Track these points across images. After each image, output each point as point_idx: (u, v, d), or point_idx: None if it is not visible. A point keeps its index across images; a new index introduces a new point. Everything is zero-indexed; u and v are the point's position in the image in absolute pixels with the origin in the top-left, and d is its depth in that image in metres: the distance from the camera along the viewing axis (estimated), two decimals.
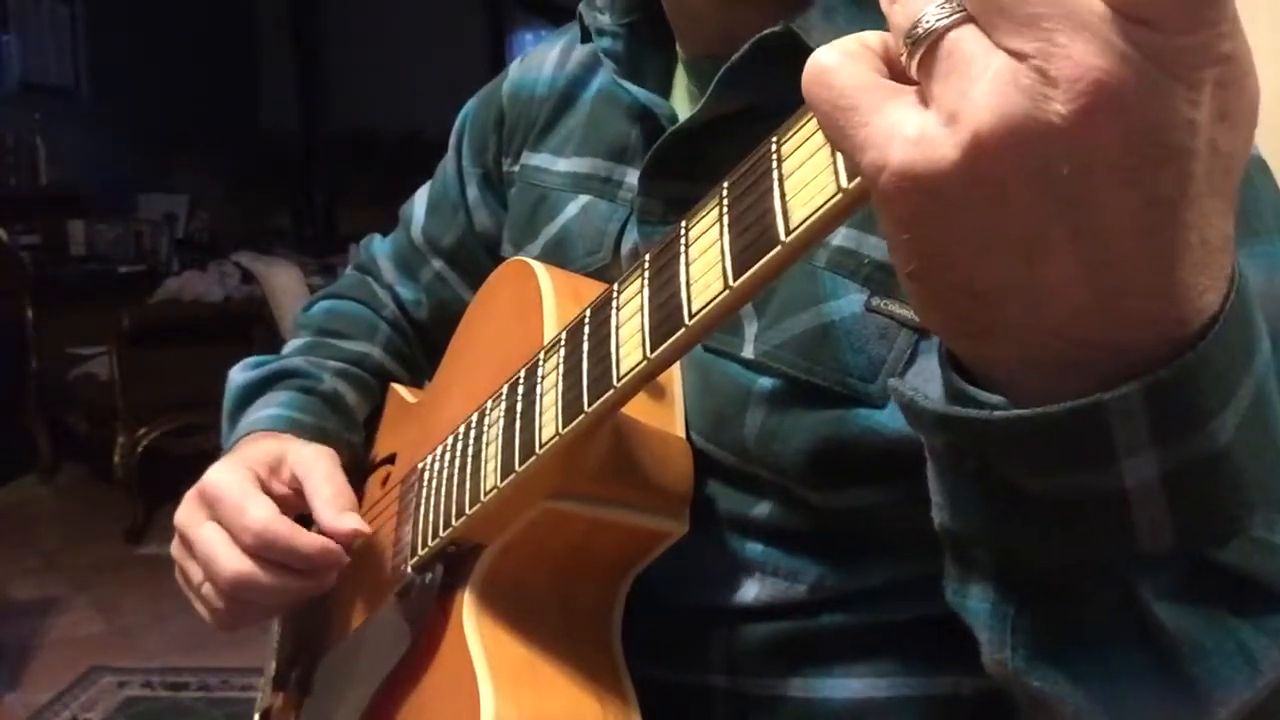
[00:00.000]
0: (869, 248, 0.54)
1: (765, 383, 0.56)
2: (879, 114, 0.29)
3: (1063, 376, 0.30)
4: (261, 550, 0.64)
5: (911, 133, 0.28)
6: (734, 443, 0.57)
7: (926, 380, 0.52)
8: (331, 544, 0.66)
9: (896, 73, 0.30)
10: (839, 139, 0.30)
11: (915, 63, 0.28)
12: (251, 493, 0.66)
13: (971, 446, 0.33)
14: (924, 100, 0.28)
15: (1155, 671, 0.35)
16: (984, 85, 0.26)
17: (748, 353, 0.57)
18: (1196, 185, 0.27)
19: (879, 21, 0.30)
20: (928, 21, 0.28)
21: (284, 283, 3.69)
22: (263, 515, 0.64)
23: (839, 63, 0.30)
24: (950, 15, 0.27)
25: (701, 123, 0.59)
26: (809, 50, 0.31)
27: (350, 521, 0.66)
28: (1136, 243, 0.27)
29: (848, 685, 0.58)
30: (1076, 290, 0.28)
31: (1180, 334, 0.29)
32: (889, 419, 0.53)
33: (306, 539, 0.65)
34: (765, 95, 0.56)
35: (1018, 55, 0.26)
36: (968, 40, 0.27)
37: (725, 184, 0.39)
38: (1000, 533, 0.35)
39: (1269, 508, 0.33)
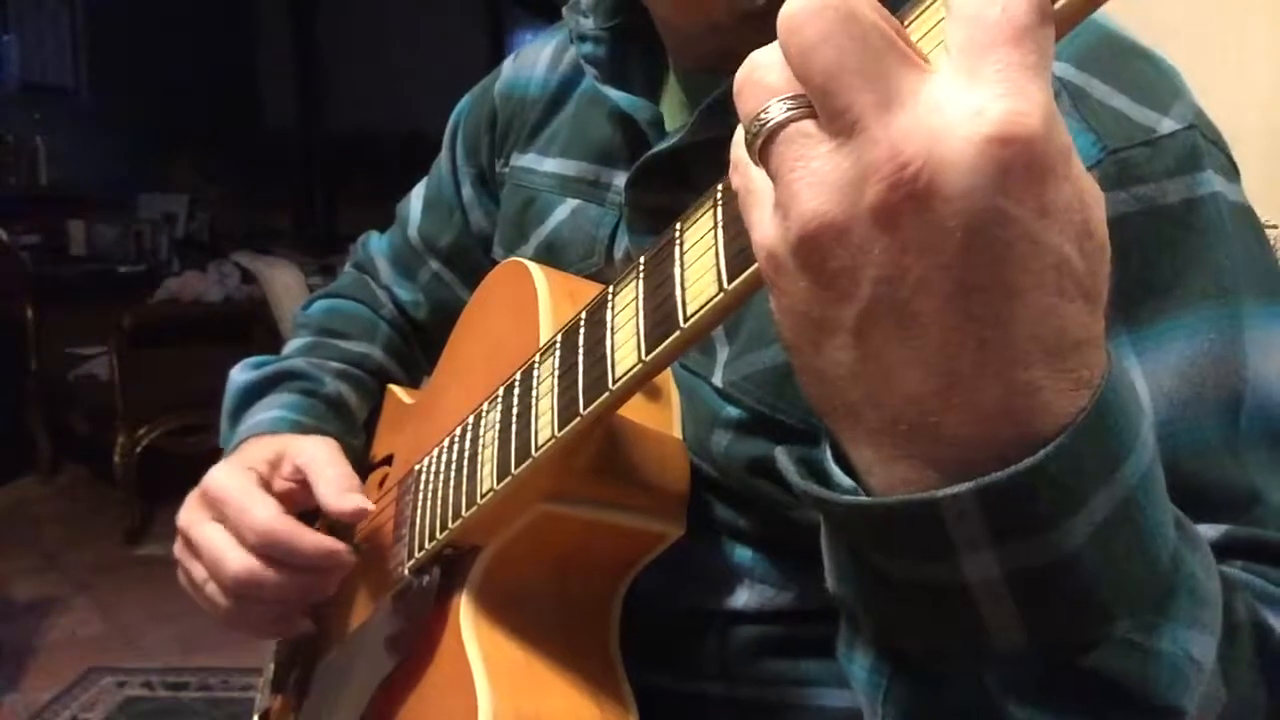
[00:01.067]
0: None
1: (733, 411, 0.57)
2: (765, 205, 0.31)
3: (910, 468, 0.30)
4: (265, 549, 0.64)
5: (772, 223, 0.30)
6: (710, 459, 0.58)
7: None
8: (334, 544, 0.66)
9: None
10: (745, 218, 0.32)
11: (757, 154, 0.30)
12: (255, 493, 0.66)
13: (832, 525, 0.34)
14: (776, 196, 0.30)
15: None
16: (806, 180, 0.28)
17: (717, 380, 0.57)
18: (1019, 278, 0.27)
19: None
20: (766, 116, 0.29)
21: (284, 283, 3.69)
22: (266, 515, 0.65)
23: (741, 160, 0.32)
24: (788, 111, 0.29)
25: (684, 145, 0.59)
26: None
27: (353, 501, 0.66)
28: (960, 330, 0.28)
29: (842, 694, 0.58)
30: (910, 373, 0.29)
31: (1022, 436, 0.29)
32: None
33: (308, 538, 0.65)
34: None
35: (839, 143, 0.28)
36: (799, 136, 0.29)
37: (720, 187, 0.39)
38: (872, 609, 0.36)
39: (1144, 612, 0.32)
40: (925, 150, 0.26)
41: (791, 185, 0.29)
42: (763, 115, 0.29)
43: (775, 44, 0.30)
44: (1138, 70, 0.52)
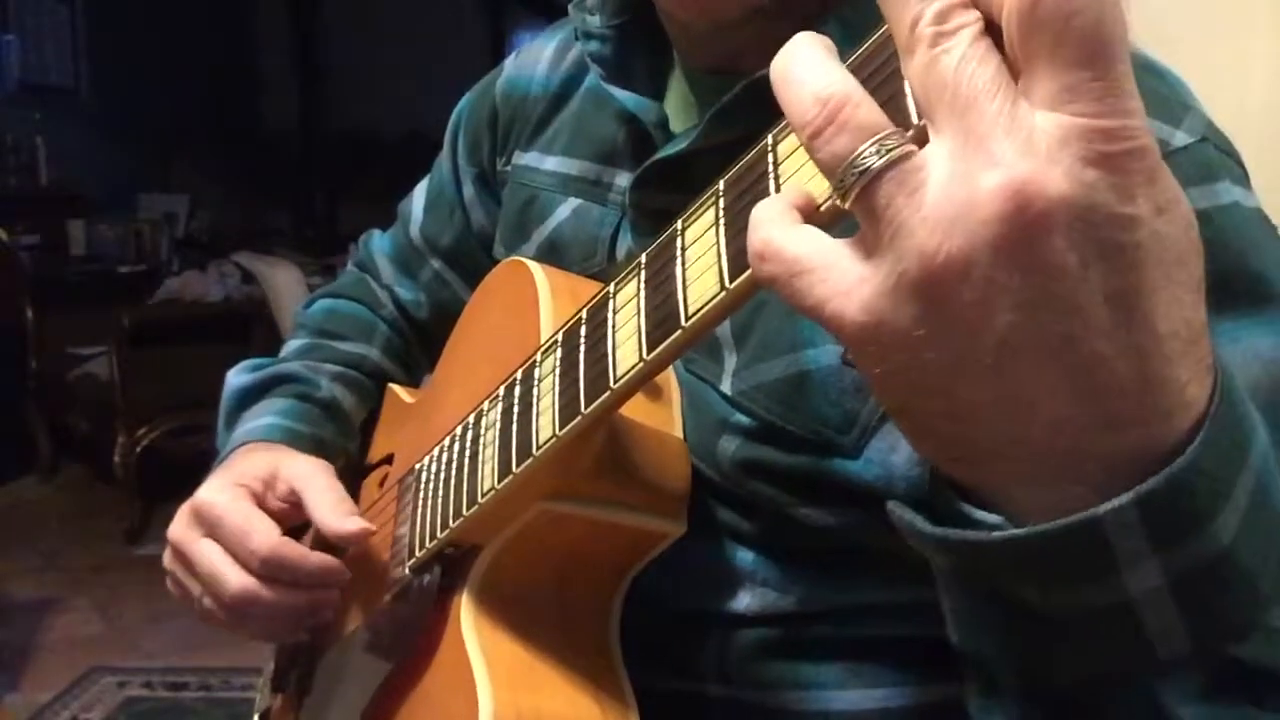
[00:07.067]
0: None
1: (742, 419, 0.56)
2: (831, 270, 0.29)
3: (1057, 491, 0.29)
4: (271, 572, 0.64)
5: (862, 278, 0.29)
6: (714, 463, 0.58)
7: (897, 440, 0.52)
8: (334, 562, 0.66)
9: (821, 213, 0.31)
10: (800, 304, 0.30)
11: (850, 203, 0.29)
12: (254, 515, 0.66)
13: (975, 568, 0.33)
14: (868, 242, 0.29)
15: None
16: (920, 218, 0.27)
17: (726, 388, 0.57)
18: (1151, 276, 0.27)
19: None
20: (864, 161, 0.28)
21: (284, 283, 3.69)
22: (269, 540, 0.64)
23: (786, 235, 0.31)
24: (891, 151, 0.28)
25: (693, 151, 0.59)
26: None
27: (356, 523, 0.66)
28: (1104, 341, 0.27)
29: (843, 696, 0.58)
30: (1056, 398, 0.28)
31: (1168, 435, 0.29)
32: (862, 469, 0.53)
33: (313, 559, 0.65)
34: (758, 126, 0.55)
35: (954, 173, 0.27)
36: (909, 173, 0.28)
37: (721, 183, 0.39)
38: (1016, 651, 0.34)
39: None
40: (1039, 176, 0.26)
41: (907, 224, 0.27)
42: (863, 159, 0.28)
43: (838, 80, 0.29)
44: (1148, 86, 0.52)
